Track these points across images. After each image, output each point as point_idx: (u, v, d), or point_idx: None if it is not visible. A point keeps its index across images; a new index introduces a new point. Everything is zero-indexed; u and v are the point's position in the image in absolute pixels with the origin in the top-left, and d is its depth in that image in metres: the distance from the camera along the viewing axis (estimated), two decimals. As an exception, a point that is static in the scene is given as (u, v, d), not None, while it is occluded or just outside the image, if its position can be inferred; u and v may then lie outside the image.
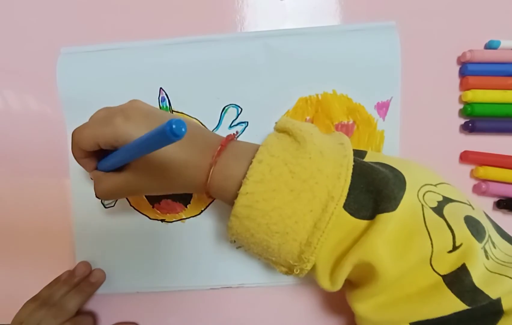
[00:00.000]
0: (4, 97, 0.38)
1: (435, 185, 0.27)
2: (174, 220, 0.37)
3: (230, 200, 0.27)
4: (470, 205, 0.27)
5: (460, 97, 0.36)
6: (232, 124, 0.36)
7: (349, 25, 0.36)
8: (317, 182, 0.25)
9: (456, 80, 0.36)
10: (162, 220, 0.37)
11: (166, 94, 0.35)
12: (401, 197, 0.25)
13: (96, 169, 0.30)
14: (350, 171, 0.25)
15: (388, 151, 0.36)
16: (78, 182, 0.37)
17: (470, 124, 0.35)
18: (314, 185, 0.25)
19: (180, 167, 0.27)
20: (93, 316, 0.37)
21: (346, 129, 0.36)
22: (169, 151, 0.26)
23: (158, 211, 0.37)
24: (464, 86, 0.35)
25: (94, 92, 0.36)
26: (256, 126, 0.36)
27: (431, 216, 0.25)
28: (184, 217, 0.37)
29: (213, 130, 0.36)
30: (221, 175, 0.27)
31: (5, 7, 0.38)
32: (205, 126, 0.36)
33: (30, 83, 0.38)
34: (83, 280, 0.36)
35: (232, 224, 0.27)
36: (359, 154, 0.29)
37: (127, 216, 0.37)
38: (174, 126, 0.18)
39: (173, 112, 0.36)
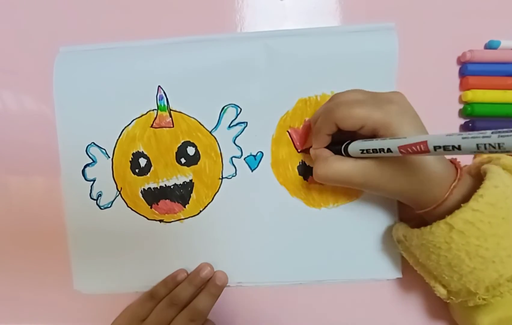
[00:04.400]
0: (2, 97, 0.38)
1: None
2: (172, 220, 0.37)
3: (439, 214, 0.27)
4: None
5: (460, 97, 0.36)
6: (231, 124, 0.36)
7: (348, 26, 0.36)
8: None
9: (456, 80, 0.36)
10: (161, 220, 0.37)
11: (164, 92, 0.35)
12: None
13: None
14: None
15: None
16: (70, 184, 0.37)
17: (470, 124, 0.35)
18: None
19: (431, 179, 0.27)
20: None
21: (345, 130, 0.36)
22: (432, 162, 0.27)
23: (156, 211, 0.37)
24: (464, 86, 0.35)
25: (91, 91, 0.36)
26: (256, 126, 0.36)
27: None
28: (182, 217, 0.37)
29: (211, 130, 0.36)
30: (458, 195, 0.27)
31: (4, 6, 0.38)
32: (203, 126, 0.36)
33: (29, 82, 0.38)
34: (207, 282, 0.36)
35: (437, 230, 0.27)
36: None
37: (125, 217, 0.37)
38: None
39: (171, 111, 0.36)
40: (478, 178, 0.28)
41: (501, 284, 0.26)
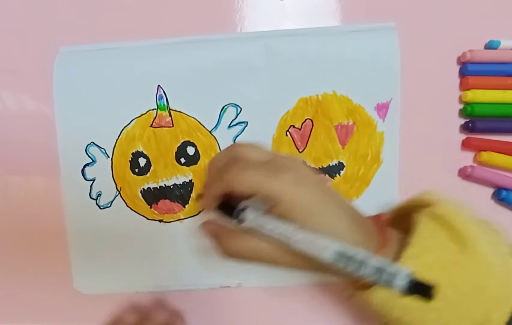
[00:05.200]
0: (2, 97, 0.38)
1: None
2: (172, 220, 0.37)
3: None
4: None
5: (460, 97, 0.36)
6: (231, 124, 0.36)
7: (349, 25, 0.36)
8: (478, 299, 0.23)
9: (456, 80, 0.36)
10: (160, 220, 0.37)
11: (164, 92, 0.35)
12: None
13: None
14: None
15: (388, 153, 0.36)
16: (69, 184, 0.37)
17: (470, 124, 0.35)
18: (472, 300, 0.23)
19: None
20: None
21: (345, 130, 0.36)
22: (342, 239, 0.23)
23: (156, 211, 0.37)
24: (464, 86, 0.35)
25: (91, 91, 0.36)
26: (256, 126, 0.36)
27: None
28: (182, 217, 0.37)
29: (211, 129, 0.36)
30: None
31: (4, 6, 0.38)
32: (203, 125, 0.36)
33: (29, 82, 0.38)
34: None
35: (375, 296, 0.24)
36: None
37: (125, 217, 0.37)
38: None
39: (171, 110, 0.36)
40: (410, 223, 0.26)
41: None
